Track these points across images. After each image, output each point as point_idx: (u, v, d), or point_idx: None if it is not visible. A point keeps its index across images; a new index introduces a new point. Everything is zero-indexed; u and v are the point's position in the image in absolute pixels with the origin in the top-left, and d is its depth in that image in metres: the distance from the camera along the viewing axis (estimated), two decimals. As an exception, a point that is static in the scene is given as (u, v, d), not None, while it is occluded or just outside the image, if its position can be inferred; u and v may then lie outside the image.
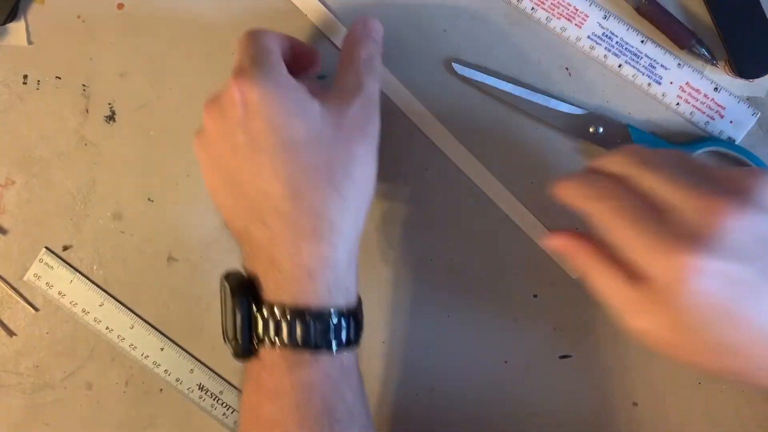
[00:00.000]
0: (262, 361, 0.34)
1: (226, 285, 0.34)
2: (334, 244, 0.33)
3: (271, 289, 0.33)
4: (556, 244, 0.34)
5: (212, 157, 0.34)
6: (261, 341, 0.33)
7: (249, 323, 0.33)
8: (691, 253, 0.27)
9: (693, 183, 0.29)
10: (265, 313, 0.33)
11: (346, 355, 0.34)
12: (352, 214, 0.33)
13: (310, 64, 0.39)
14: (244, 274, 0.35)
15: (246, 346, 0.34)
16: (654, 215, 0.29)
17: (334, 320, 0.33)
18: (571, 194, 0.33)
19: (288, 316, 0.32)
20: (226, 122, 0.33)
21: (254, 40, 0.34)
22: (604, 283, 0.31)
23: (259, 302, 0.33)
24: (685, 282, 0.28)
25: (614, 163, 0.33)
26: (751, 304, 0.28)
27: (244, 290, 0.34)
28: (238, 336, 0.33)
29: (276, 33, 0.36)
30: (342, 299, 0.34)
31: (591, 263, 0.32)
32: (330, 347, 0.33)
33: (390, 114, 0.42)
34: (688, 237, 0.28)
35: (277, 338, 0.32)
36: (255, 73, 0.32)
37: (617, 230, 0.30)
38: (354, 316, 0.34)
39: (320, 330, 0.32)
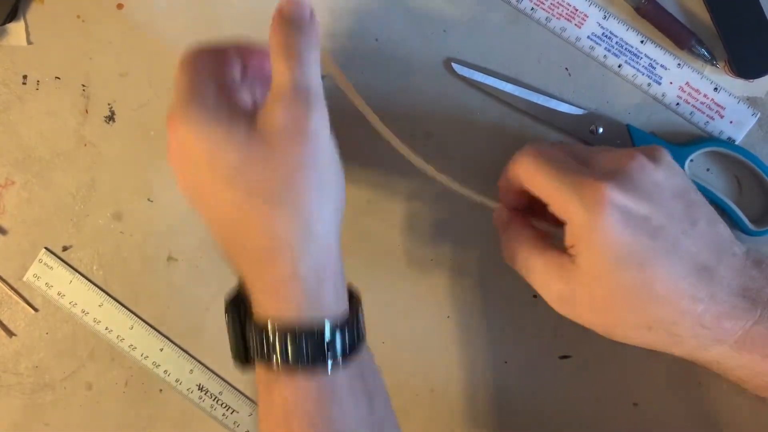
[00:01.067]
0: (257, 375, 0.33)
1: (225, 300, 0.33)
2: (294, 261, 0.30)
3: (255, 304, 0.32)
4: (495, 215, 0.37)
5: (178, 174, 0.33)
6: (253, 357, 0.32)
7: (241, 338, 0.33)
8: (606, 187, 0.30)
9: (606, 148, 0.35)
10: (252, 328, 0.32)
11: (347, 369, 0.32)
12: (308, 227, 0.31)
13: (264, 67, 0.36)
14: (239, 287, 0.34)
15: (240, 361, 0.33)
16: (572, 165, 0.33)
17: (327, 335, 0.31)
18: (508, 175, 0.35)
19: (270, 333, 0.31)
20: (170, 153, 0.32)
21: (182, 69, 0.32)
22: (529, 250, 0.34)
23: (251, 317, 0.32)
24: (601, 215, 0.30)
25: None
26: (661, 240, 0.31)
27: (236, 305, 0.33)
28: (232, 350, 0.33)
29: (210, 50, 0.33)
30: (325, 311, 0.31)
31: (519, 235, 0.35)
32: (317, 362, 0.31)
33: (391, 115, 0.42)
34: (603, 176, 0.31)
35: (263, 354, 0.31)
36: (178, 109, 0.31)
37: (542, 182, 0.32)
38: (343, 326, 0.32)
39: (304, 346, 0.30)
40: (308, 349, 0.31)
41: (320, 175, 0.30)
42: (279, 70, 0.30)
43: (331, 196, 0.31)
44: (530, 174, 0.33)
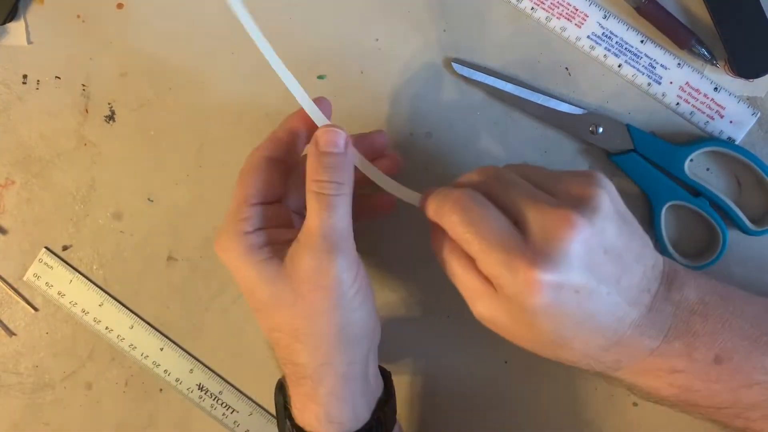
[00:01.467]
0: None
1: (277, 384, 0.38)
2: (313, 386, 0.34)
3: (292, 403, 0.37)
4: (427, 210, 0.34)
5: None
6: None
7: (284, 419, 0.37)
8: (539, 272, 0.29)
9: (539, 198, 0.31)
10: (288, 424, 0.36)
11: None
12: (327, 360, 0.34)
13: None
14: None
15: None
16: (503, 230, 0.30)
17: None
18: (431, 209, 0.33)
19: None
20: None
21: (240, 181, 0.35)
22: (455, 267, 0.32)
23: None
24: (530, 296, 0.29)
25: (469, 181, 0.33)
26: (586, 306, 0.30)
27: (283, 390, 0.37)
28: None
29: (268, 157, 0.35)
30: (344, 424, 0.35)
31: (447, 246, 0.33)
32: None
33: (391, 115, 0.42)
34: (533, 255, 0.29)
35: None
36: (222, 233, 0.34)
37: (470, 243, 0.30)
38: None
39: None
40: None
41: (342, 315, 0.33)
42: (309, 210, 0.32)
43: (354, 330, 0.34)
44: (454, 226, 0.31)
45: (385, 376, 0.39)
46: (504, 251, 0.29)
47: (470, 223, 0.30)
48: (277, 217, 0.35)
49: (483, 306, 0.32)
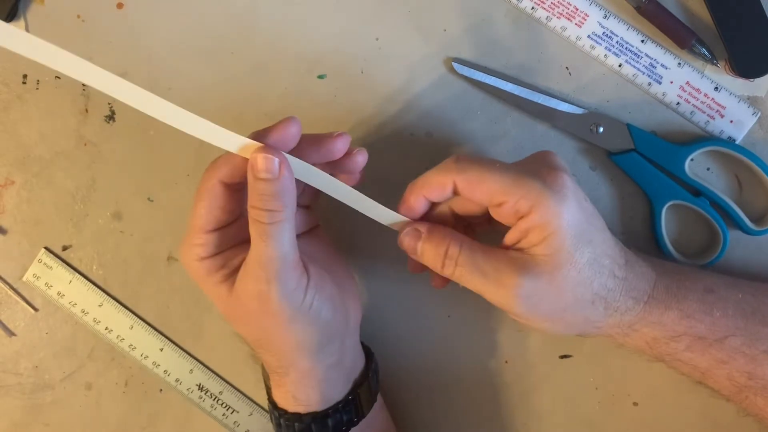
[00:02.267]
0: None
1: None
2: (279, 381, 0.37)
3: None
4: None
5: None
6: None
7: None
8: (564, 174, 0.33)
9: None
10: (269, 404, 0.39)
11: None
12: (291, 362, 0.35)
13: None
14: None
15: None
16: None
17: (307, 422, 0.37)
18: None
19: (270, 414, 0.39)
20: None
21: (197, 199, 0.34)
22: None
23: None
24: (567, 198, 0.33)
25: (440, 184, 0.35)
26: (598, 229, 0.34)
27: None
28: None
29: (212, 185, 0.33)
30: (308, 406, 0.37)
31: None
32: None
33: (391, 115, 0.42)
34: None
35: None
36: (181, 255, 0.35)
37: (494, 182, 0.33)
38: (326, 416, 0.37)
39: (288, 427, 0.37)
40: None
41: (298, 330, 0.34)
42: (251, 236, 0.32)
43: (317, 338, 0.35)
44: (478, 178, 0.33)
45: (367, 353, 0.40)
46: (526, 174, 0.33)
47: (487, 166, 0.33)
48: (237, 235, 0.35)
49: (521, 276, 0.33)
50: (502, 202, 0.33)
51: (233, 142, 0.32)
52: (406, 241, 0.35)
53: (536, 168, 0.34)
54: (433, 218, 0.36)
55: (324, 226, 0.40)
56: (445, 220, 0.36)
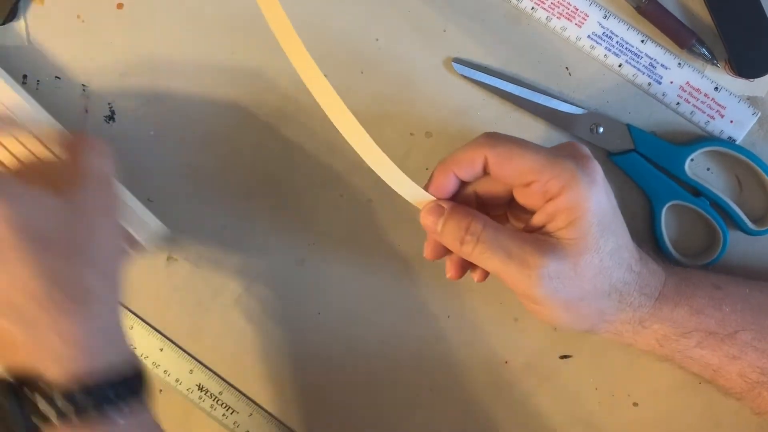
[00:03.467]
0: None
1: None
2: (95, 311, 0.31)
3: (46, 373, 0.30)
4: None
5: None
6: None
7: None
8: (594, 161, 0.34)
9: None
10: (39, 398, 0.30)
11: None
12: (107, 278, 0.32)
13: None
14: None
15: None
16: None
17: (110, 391, 0.30)
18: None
19: (58, 396, 0.29)
20: None
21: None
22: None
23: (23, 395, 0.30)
24: (598, 183, 0.33)
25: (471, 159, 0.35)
26: (621, 222, 0.35)
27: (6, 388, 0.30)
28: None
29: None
30: (114, 362, 0.31)
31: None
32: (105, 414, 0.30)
33: (391, 115, 0.42)
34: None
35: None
36: None
37: (529, 159, 0.33)
38: (127, 381, 0.31)
39: (94, 401, 0.30)
40: (124, 392, 0.31)
41: (113, 237, 0.34)
42: (79, 166, 0.34)
43: (118, 252, 0.34)
44: (510, 154, 0.33)
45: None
46: (559, 156, 0.33)
47: (523, 143, 0.34)
48: None
49: (546, 257, 0.33)
50: (532, 181, 0.33)
51: (413, 193, 0.35)
52: (428, 217, 0.35)
53: (566, 153, 0.34)
54: (455, 198, 0.36)
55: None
56: (468, 202, 0.36)
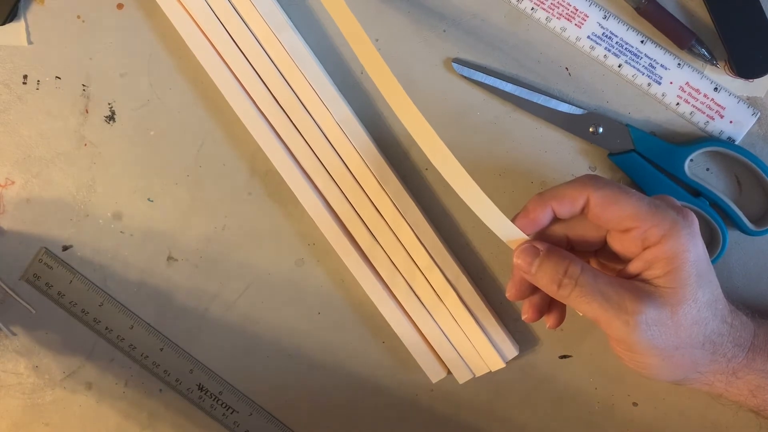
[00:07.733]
0: None
1: None
2: None
3: None
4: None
5: None
6: None
7: None
8: (691, 213, 0.34)
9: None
10: None
11: None
12: None
13: None
14: None
15: None
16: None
17: None
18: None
19: None
20: None
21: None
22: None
23: None
24: (696, 234, 0.33)
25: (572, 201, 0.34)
26: (713, 275, 0.35)
27: None
28: None
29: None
30: None
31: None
32: None
33: (391, 115, 0.42)
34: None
35: None
36: None
37: (631, 205, 0.33)
38: None
39: None
40: None
41: None
42: None
43: None
44: (615, 198, 0.33)
45: None
46: (661, 205, 0.33)
47: (624, 189, 0.33)
48: None
49: (646, 305, 0.32)
50: (632, 228, 0.33)
51: (506, 232, 0.35)
52: (523, 257, 0.34)
53: (666, 203, 0.34)
54: (546, 239, 0.36)
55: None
56: (558, 244, 0.36)
